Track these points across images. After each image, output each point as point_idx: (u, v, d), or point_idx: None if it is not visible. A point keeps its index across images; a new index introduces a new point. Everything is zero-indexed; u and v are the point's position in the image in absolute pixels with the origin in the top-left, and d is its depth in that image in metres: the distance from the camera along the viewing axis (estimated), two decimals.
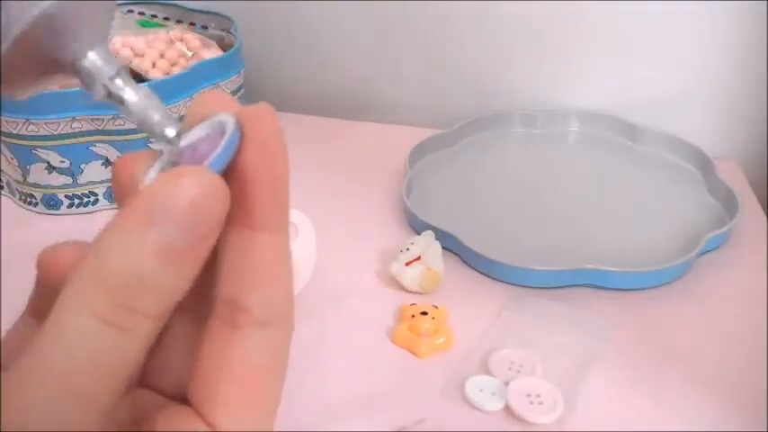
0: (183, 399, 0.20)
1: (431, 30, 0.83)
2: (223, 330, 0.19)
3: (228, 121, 0.19)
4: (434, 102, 0.86)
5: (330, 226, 0.58)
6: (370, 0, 0.82)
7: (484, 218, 0.67)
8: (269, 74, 0.89)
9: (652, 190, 0.71)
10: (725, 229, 0.62)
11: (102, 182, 0.68)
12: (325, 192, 0.71)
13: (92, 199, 0.69)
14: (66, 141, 0.65)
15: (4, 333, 0.21)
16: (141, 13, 0.82)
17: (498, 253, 0.58)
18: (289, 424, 0.46)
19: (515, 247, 0.61)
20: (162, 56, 0.72)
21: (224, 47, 0.76)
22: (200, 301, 0.21)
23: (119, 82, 0.20)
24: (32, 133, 0.64)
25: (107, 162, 0.67)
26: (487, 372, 0.49)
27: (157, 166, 0.20)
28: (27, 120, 0.63)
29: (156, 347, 0.21)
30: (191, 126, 0.20)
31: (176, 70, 0.71)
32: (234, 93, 0.74)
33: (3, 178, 0.72)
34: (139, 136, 0.66)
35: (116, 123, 0.65)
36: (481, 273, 0.60)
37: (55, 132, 0.64)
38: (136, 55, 0.72)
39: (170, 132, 0.20)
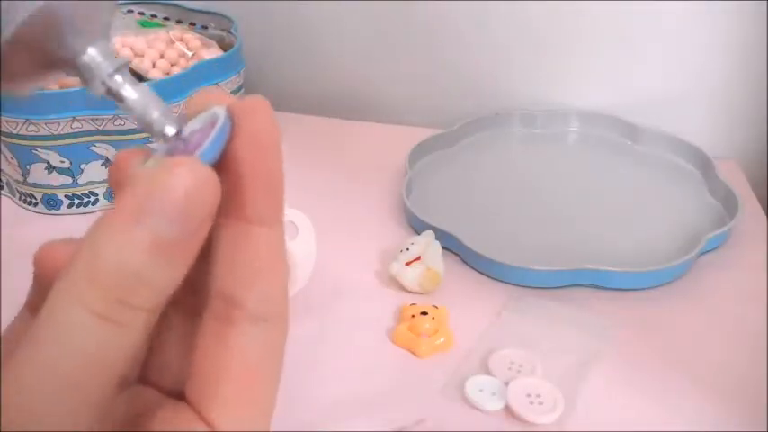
0: (181, 395, 0.20)
1: (431, 30, 0.83)
2: (218, 326, 0.19)
3: (219, 112, 0.19)
4: (434, 102, 0.86)
5: (330, 226, 0.58)
6: (370, 0, 0.82)
7: (484, 218, 0.67)
8: (269, 74, 0.89)
9: (652, 190, 0.71)
10: (725, 229, 0.62)
11: (102, 182, 0.68)
12: (326, 192, 0.71)
13: (92, 199, 0.69)
14: (66, 141, 0.65)
15: (4, 330, 0.21)
16: (141, 13, 0.82)
17: (498, 253, 0.58)
18: (289, 424, 0.46)
19: (515, 247, 0.61)
20: (162, 56, 0.72)
21: (224, 47, 0.76)
22: (198, 297, 0.21)
23: (118, 79, 0.20)
24: (32, 133, 0.64)
25: (107, 162, 0.67)
26: (487, 372, 0.49)
27: (152, 162, 0.20)
28: (27, 120, 0.63)
29: (154, 344, 0.21)
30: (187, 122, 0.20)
31: (176, 70, 0.71)
32: (234, 93, 0.74)
33: (3, 178, 0.72)
34: (140, 136, 0.66)
35: (116, 123, 0.65)
36: (481, 273, 0.60)
37: (55, 132, 0.64)
38: (136, 55, 0.72)
39: (169, 131, 0.20)
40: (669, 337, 0.53)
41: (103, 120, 0.64)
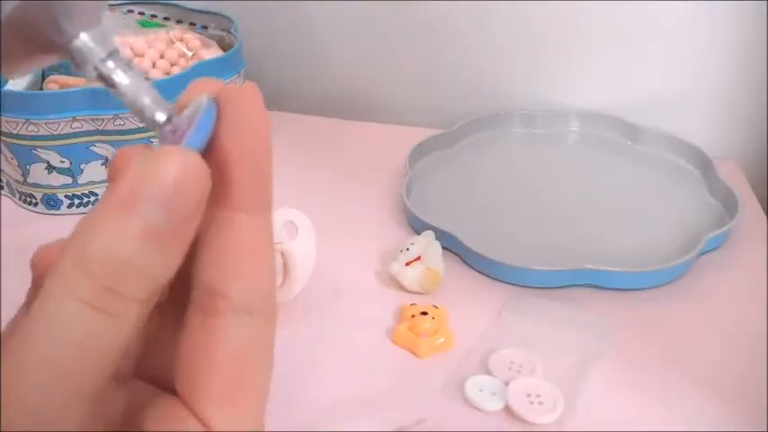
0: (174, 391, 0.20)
1: (431, 30, 0.83)
2: (203, 319, 0.19)
3: (203, 99, 0.19)
4: (434, 102, 0.86)
5: (330, 226, 0.58)
6: (370, 0, 0.82)
7: (484, 218, 0.67)
8: (269, 74, 0.89)
9: (652, 190, 0.71)
10: (725, 229, 0.62)
11: (102, 182, 0.68)
12: (325, 192, 0.71)
13: (92, 199, 0.69)
14: (66, 141, 0.65)
15: (3, 329, 0.21)
16: (141, 13, 0.82)
17: (498, 253, 0.58)
18: (289, 424, 0.46)
19: (515, 247, 0.61)
20: (162, 56, 0.72)
21: (224, 47, 0.76)
22: (184, 292, 0.21)
23: (110, 64, 0.20)
24: (32, 133, 0.64)
25: (107, 162, 0.67)
26: (487, 372, 0.49)
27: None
28: (27, 120, 0.63)
29: (149, 338, 0.21)
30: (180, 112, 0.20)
31: (176, 70, 0.71)
32: None
33: (3, 178, 0.72)
34: (140, 136, 0.66)
35: (116, 123, 0.65)
36: (481, 273, 0.60)
37: (55, 132, 0.64)
38: (136, 55, 0.72)
39: (160, 117, 0.20)
40: (669, 337, 0.53)
41: (103, 120, 0.64)
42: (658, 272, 0.57)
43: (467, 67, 0.83)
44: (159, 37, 0.74)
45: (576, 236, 0.64)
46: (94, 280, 0.16)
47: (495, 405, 0.46)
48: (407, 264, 0.57)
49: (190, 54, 0.73)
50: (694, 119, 0.78)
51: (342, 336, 0.54)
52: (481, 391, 0.47)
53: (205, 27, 0.80)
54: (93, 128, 0.65)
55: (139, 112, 0.20)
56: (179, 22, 0.81)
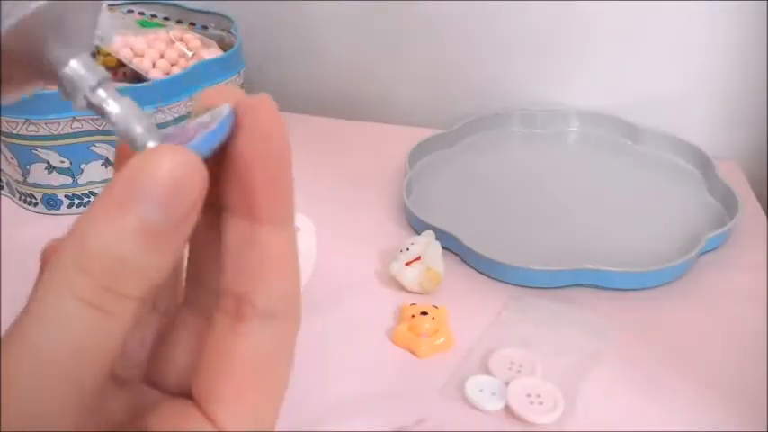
0: (186, 396, 0.20)
1: (431, 30, 0.83)
2: (227, 323, 0.19)
3: (225, 108, 0.18)
4: (434, 102, 0.86)
5: (330, 226, 0.58)
6: (370, 0, 0.82)
7: (484, 218, 0.67)
8: (269, 74, 0.89)
9: (652, 190, 0.71)
10: (725, 229, 0.62)
11: (102, 182, 0.68)
12: (325, 192, 0.71)
13: (92, 199, 0.69)
14: (66, 141, 0.65)
15: (4, 331, 0.21)
16: (141, 13, 0.82)
17: (498, 253, 0.58)
18: (289, 424, 0.46)
19: (515, 247, 0.61)
20: (162, 56, 0.72)
21: (224, 47, 0.76)
22: (205, 296, 0.21)
23: (101, 93, 0.19)
24: (32, 133, 0.64)
25: (107, 162, 0.67)
26: (487, 372, 0.49)
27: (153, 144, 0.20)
28: (27, 120, 0.63)
29: (160, 343, 0.21)
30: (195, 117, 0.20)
31: (176, 70, 0.71)
32: None
33: (3, 178, 0.72)
34: None
35: None
36: (481, 273, 0.60)
37: (55, 132, 0.64)
38: (136, 55, 0.72)
39: (152, 145, 0.19)
40: (669, 337, 0.53)
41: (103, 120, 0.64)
42: (658, 272, 0.57)
43: (467, 67, 0.84)
44: (159, 37, 0.74)
45: (576, 236, 0.64)
46: (93, 278, 0.16)
47: (495, 405, 0.46)
48: (407, 264, 0.57)
49: (190, 54, 0.73)
50: (694, 119, 0.79)
51: (342, 336, 0.54)
52: (481, 391, 0.47)
53: (205, 27, 0.80)
54: (93, 128, 0.65)
55: (131, 141, 0.19)
56: (179, 22, 0.81)
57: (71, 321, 0.16)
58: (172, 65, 0.72)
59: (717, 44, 0.75)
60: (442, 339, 0.52)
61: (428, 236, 0.60)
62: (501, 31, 0.80)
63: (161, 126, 0.65)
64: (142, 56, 0.72)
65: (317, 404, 0.47)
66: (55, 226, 0.67)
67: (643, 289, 0.58)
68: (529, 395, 0.46)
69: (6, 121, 0.64)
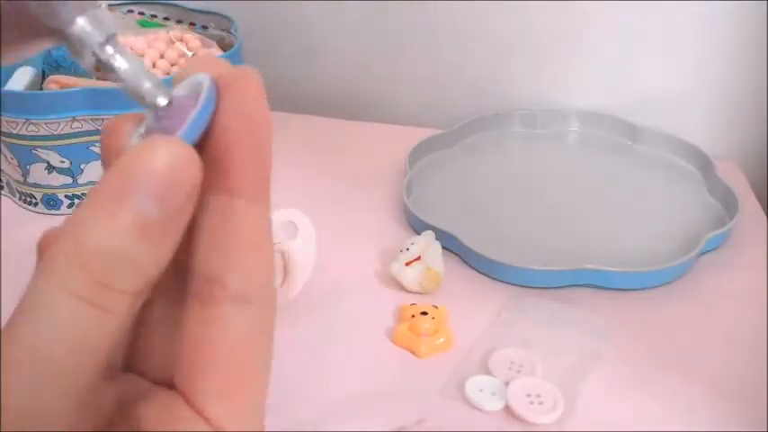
0: (168, 382, 0.20)
1: (431, 30, 0.83)
2: (201, 309, 0.18)
3: (204, 82, 0.18)
4: (434, 102, 0.86)
5: (330, 226, 0.58)
6: (370, 0, 0.82)
7: (484, 218, 0.67)
8: (269, 74, 0.89)
9: (652, 190, 0.71)
10: (725, 229, 0.62)
11: None
12: (325, 192, 0.71)
13: None
14: (66, 141, 0.65)
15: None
16: (141, 13, 0.82)
17: (498, 253, 0.58)
18: (289, 423, 0.46)
19: (515, 247, 0.61)
20: (162, 56, 0.72)
21: (224, 47, 0.76)
22: (183, 281, 0.21)
23: (109, 49, 0.19)
24: (32, 133, 0.64)
25: None
26: (487, 372, 0.49)
27: (141, 131, 0.19)
28: (27, 120, 0.63)
29: (141, 331, 0.21)
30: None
31: (176, 70, 0.71)
32: None
33: (3, 178, 0.72)
34: None
35: None
36: (481, 273, 0.60)
37: (55, 132, 0.64)
38: (136, 55, 0.72)
39: (161, 101, 0.19)
40: (669, 337, 0.53)
41: (103, 120, 0.64)
42: (658, 272, 0.57)
43: (467, 67, 0.84)
44: (159, 37, 0.74)
45: (576, 236, 0.64)
46: (87, 274, 0.16)
47: (495, 405, 0.46)
48: (407, 264, 0.57)
49: (190, 54, 0.73)
50: (694, 119, 0.79)
51: (342, 336, 0.54)
52: (481, 391, 0.47)
53: (205, 27, 0.80)
54: (93, 128, 0.65)
55: (140, 97, 0.19)
56: (179, 22, 0.81)
57: (66, 318, 0.16)
58: (172, 65, 0.72)
59: (717, 44, 0.75)
60: (442, 339, 0.52)
61: (428, 236, 0.60)
62: (501, 31, 0.80)
63: None
64: (142, 56, 0.72)
65: (317, 404, 0.47)
66: (55, 226, 0.67)
67: (643, 289, 0.58)
68: (529, 395, 0.47)
69: (6, 121, 0.64)
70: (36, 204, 0.69)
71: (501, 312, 0.55)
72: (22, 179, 0.68)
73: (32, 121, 0.63)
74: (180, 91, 0.19)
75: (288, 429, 0.45)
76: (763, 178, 0.77)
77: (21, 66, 0.71)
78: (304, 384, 0.49)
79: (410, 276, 0.57)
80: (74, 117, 0.64)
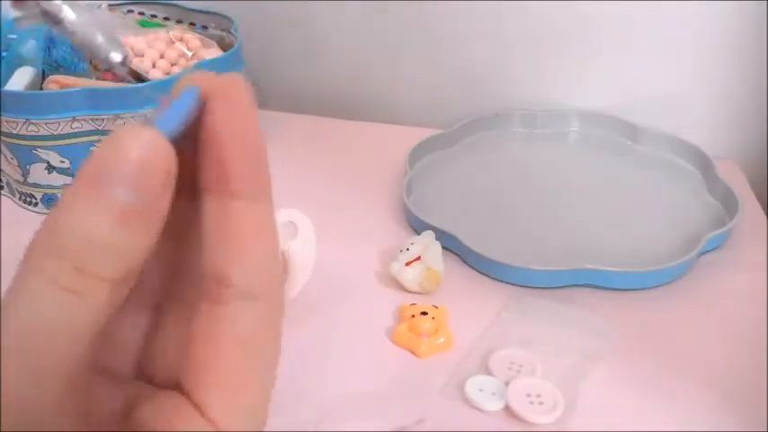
0: (177, 388, 0.20)
1: (431, 30, 0.83)
2: (208, 307, 0.19)
3: (192, 89, 0.19)
4: (434, 102, 0.86)
5: (330, 226, 0.58)
6: (370, 0, 0.82)
7: (484, 218, 0.67)
8: (269, 74, 0.89)
9: (652, 190, 0.71)
10: (725, 229, 0.62)
11: None
12: (325, 192, 0.71)
13: None
14: (66, 141, 0.65)
15: None
16: (141, 13, 0.82)
17: (498, 253, 0.58)
18: (289, 423, 0.46)
19: (515, 247, 0.61)
20: (162, 56, 0.72)
21: (224, 47, 0.76)
22: (190, 287, 0.21)
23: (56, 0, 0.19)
24: (32, 133, 0.64)
25: None
26: (487, 372, 0.49)
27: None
28: (27, 120, 0.63)
29: (152, 337, 0.21)
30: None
31: (176, 70, 0.71)
32: None
33: (3, 178, 0.72)
34: None
35: (116, 123, 0.65)
36: (481, 273, 0.60)
37: (55, 132, 0.64)
38: (136, 55, 0.72)
39: (115, 57, 0.19)
40: (669, 337, 0.53)
41: (103, 120, 0.64)
42: (658, 272, 0.57)
43: (467, 66, 0.84)
44: (159, 37, 0.74)
45: (577, 236, 0.64)
46: (64, 260, 0.16)
47: (495, 405, 0.46)
48: (407, 264, 0.57)
49: (190, 54, 0.73)
50: (694, 119, 0.79)
51: (342, 336, 0.54)
52: (481, 391, 0.47)
53: (205, 27, 0.80)
54: (93, 128, 0.65)
55: (93, 51, 0.19)
56: (179, 22, 0.81)
57: (45, 305, 0.16)
58: (172, 65, 0.72)
59: (717, 44, 0.75)
60: (442, 339, 0.52)
61: (428, 236, 0.60)
62: (501, 31, 0.80)
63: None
64: (142, 56, 0.72)
65: (317, 404, 0.47)
66: None
67: (643, 289, 0.58)
68: (529, 395, 0.47)
69: (6, 121, 0.64)
70: (36, 204, 0.69)
71: (501, 312, 0.55)
72: (22, 179, 0.68)
73: (32, 121, 0.63)
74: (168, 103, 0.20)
75: (288, 429, 0.45)
76: (763, 178, 0.77)
77: (21, 66, 0.71)
78: (304, 384, 0.49)
79: (410, 276, 0.57)
80: (74, 117, 0.64)
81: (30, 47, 0.70)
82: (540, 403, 0.46)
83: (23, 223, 0.68)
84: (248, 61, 0.76)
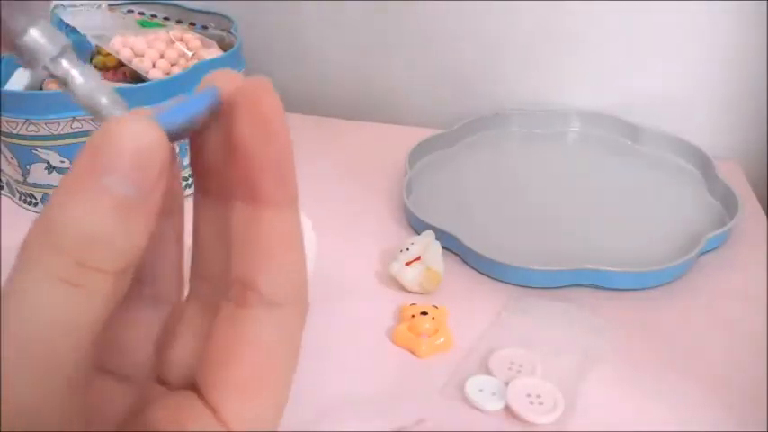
0: (191, 389, 0.20)
1: (431, 30, 0.83)
2: (233, 310, 0.19)
3: (212, 89, 0.18)
4: (434, 102, 0.86)
5: (330, 226, 0.58)
6: (370, 1, 0.82)
7: (484, 218, 0.67)
8: (269, 74, 0.89)
9: (652, 190, 0.71)
10: (725, 229, 0.62)
11: None
12: (326, 192, 0.71)
13: None
14: (66, 141, 0.65)
15: None
16: (141, 13, 0.82)
17: (498, 253, 0.58)
18: (288, 424, 0.45)
19: (515, 247, 0.61)
20: (162, 56, 0.72)
21: (224, 47, 0.76)
22: (210, 289, 0.21)
23: (64, 63, 0.19)
24: (32, 133, 0.64)
25: None
26: (487, 372, 0.49)
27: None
28: (27, 120, 0.63)
29: (167, 337, 0.21)
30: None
31: (176, 70, 0.71)
32: None
33: (3, 178, 0.72)
34: None
35: None
36: (481, 273, 0.60)
37: (55, 132, 0.64)
38: (136, 55, 0.72)
39: (116, 115, 0.19)
40: (669, 337, 0.53)
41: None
42: (658, 272, 0.57)
43: (467, 66, 0.84)
44: (159, 37, 0.74)
45: (577, 236, 0.64)
46: (65, 254, 0.16)
47: (495, 405, 0.46)
48: (407, 264, 0.57)
49: (190, 54, 0.73)
50: (695, 119, 0.78)
51: (342, 336, 0.54)
52: (481, 391, 0.47)
53: (205, 27, 0.80)
54: (93, 128, 0.65)
55: (96, 113, 0.19)
56: (179, 22, 0.81)
57: (48, 300, 0.16)
58: (172, 65, 0.72)
59: (717, 44, 0.75)
60: (441, 339, 0.52)
61: (428, 236, 0.60)
62: (501, 31, 0.80)
63: None
64: (142, 56, 0.72)
65: (317, 404, 0.47)
66: None
67: (643, 289, 0.58)
68: (529, 395, 0.46)
69: (6, 121, 0.64)
70: (36, 204, 0.69)
71: (501, 312, 0.55)
72: (22, 179, 0.68)
73: (32, 121, 0.63)
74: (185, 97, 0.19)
75: (287, 429, 0.45)
76: (763, 179, 0.77)
77: (21, 66, 0.71)
78: (303, 384, 0.49)
79: (410, 276, 0.57)
80: (74, 117, 0.64)
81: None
82: (540, 403, 0.46)
83: (23, 223, 0.68)
84: (248, 61, 0.76)
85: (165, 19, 0.81)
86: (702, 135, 0.76)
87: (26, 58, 0.18)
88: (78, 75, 0.19)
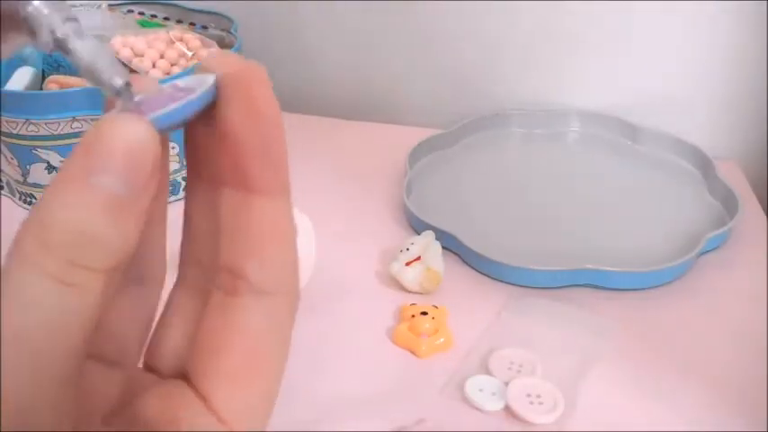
0: (181, 378, 0.20)
1: (431, 30, 0.83)
2: (222, 299, 0.19)
3: (208, 81, 0.18)
4: (434, 102, 0.86)
5: (330, 226, 0.58)
6: (369, 1, 0.82)
7: (484, 218, 0.67)
8: (269, 74, 0.89)
9: (652, 190, 0.71)
10: (725, 229, 0.62)
11: None
12: (325, 192, 0.71)
13: None
14: (66, 141, 0.65)
15: None
16: (141, 13, 0.82)
17: (498, 253, 0.58)
18: (288, 424, 0.46)
19: (515, 247, 0.61)
20: (162, 56, 0.72)
21: (224, 47, 0.76)
22: (200, 276, 0.21)
23: (66, 29, 0.19)
24: (32, 133, 0.64)
25: None
26: (487, 372, 0.49)
27: (114, 112, 0.19)
28: (27, 120, 0.63)
29: (155, 326, 0.21)
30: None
31: (176, 70, 0.71)
32: None
33: (3, 178, 0.72)
34: None
35: None
36: (481, 273, 0.60)
37: (55, 132, 0.64)
38: (136, 55, 0.72)
39: (117, 82, 0.19)
40: (669, 337, 0.53)
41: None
42: (658, 272, 0.57)
43: (466, 66, 0.83)
44: (159, 37, 0.74)
45: (577, 236, 0.64)
46: (57, 253, 0.16)
47: (495, 405, 0.46)
48: (407, 264, 0.57)
49: (190, 54, 0.73)
50: (695, 119, 0.78)
51: (342, 336, 0.54)
52: (481, 391, 0.47)
53: (205, 27, 0.80)
54: None
55: (97, 78, 0.19)
56: (179, 22, 0.81)
57: (40, 299, 0.16)
58: (172, 65, 0.72)
59: (717, 44, 0.75)
60: (441, 339, 0.52)
61: (428, 236, 0.60)
62: (501, 31, 0.80)
63: None
64: (142, 56, 0.72)
65: (317, 404, 0.47)
66: None
67: (643, 289, 0.58)
68: (529, 395, 0.46)
69: (6, 121, 0.64)
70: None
71: (501, 312, 0.55)
72: (22, 179, 0.68)
73: (32, 121, 0.63)
74: (184, 82, 0.19)
75: (287, 429, 0.45)
76: (763, 179, 0.77)
77: (21, 66, 0.71)
78: (303, 384, 0.49)
79: (410, 276, 0.57)
80: (74, 117, 0.64)
81: (30, 47, 0.70)
82: (540, 403, 0.46)
83: None
84: None
85: (165, 19, 0.81)
86: (702, 135, 0.76)
87: (32, 27, 0.19)
88: (80, 41, 0.19)
